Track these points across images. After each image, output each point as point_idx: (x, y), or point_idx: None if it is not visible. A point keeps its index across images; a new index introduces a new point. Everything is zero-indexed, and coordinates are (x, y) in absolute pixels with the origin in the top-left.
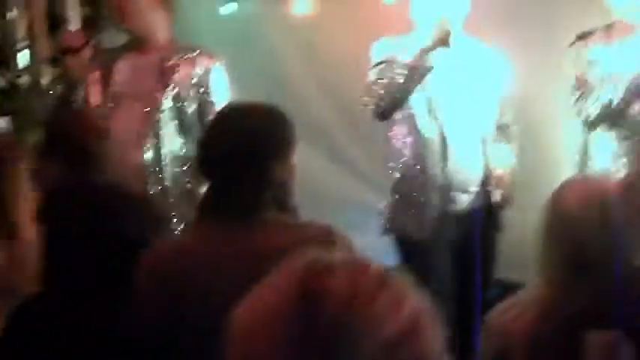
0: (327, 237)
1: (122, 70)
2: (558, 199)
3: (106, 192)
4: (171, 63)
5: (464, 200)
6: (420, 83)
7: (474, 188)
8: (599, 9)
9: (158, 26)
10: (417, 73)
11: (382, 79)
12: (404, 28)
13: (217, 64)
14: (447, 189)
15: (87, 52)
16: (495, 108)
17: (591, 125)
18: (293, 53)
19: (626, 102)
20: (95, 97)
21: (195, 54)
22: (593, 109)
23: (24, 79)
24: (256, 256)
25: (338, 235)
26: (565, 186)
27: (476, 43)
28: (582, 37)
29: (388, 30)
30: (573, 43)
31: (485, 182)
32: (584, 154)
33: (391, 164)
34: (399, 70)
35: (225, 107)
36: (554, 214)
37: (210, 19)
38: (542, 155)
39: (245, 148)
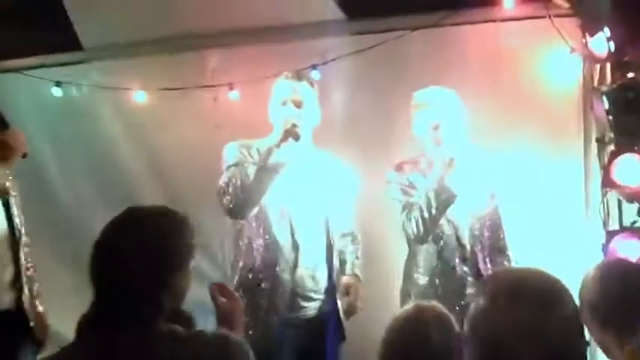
0: (222, 347)
1: None
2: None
3: None
4: None
5: (310, 307)
6: (271, 180)
7: (321, 296)
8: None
9: None
10: (266, 170)
11: (233, 180)
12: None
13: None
14: (294, 295)
15: None
16: (342, 216)
17: (415, 242)
18: (125, 139)
19: (435, 220)
20: None
21: None
22: (414, 227)
23: None
24: None
25: (233, 345)
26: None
27: (324, 153)
28: (397, 167)
29: (225, 122)
30: (392, 174)
31: (332, 290)
32: (412, 267)
33: (239, 265)
34: (250, 170)
35: (127, 213)
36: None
37: (41, 101)
38: (372, 267)
39: (151, 259)
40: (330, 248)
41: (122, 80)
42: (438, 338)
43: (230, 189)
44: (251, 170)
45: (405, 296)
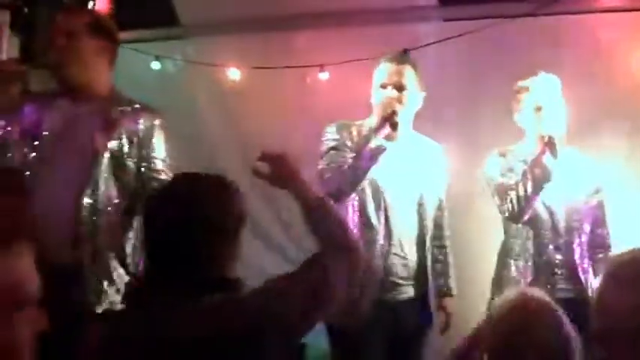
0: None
1: (55, 118)
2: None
3: None
4: (113, 115)
5: (400, 291)
6: (370, 167)
7: (410, 282)
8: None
9: (100, 75)
10: (366, 155)
11: (332, 165)
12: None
13: (159, 120)
14: (385, 279)
15: (17, 86)
16: (436, 202)
17: (509, 220)
18: (216, 116)
19: (531, 198)
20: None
21: (137, 107)
22: (509, 205)
23: None
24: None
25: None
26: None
27: (423, 139)
28: (500, 152)
29: (316, 106)
30: (494, 156)
31: (423, 276)
32: (507, 253)
33: None
34: (349, 155)
35: (174, 178)
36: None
37: (139, 74)
38: (470, 251)
39: (194, 223)
40: (421, 235)
41: (217, 57)
42: (545, 330)
43: (328, 174)
44: (350, 155)
45: (497, 283)
